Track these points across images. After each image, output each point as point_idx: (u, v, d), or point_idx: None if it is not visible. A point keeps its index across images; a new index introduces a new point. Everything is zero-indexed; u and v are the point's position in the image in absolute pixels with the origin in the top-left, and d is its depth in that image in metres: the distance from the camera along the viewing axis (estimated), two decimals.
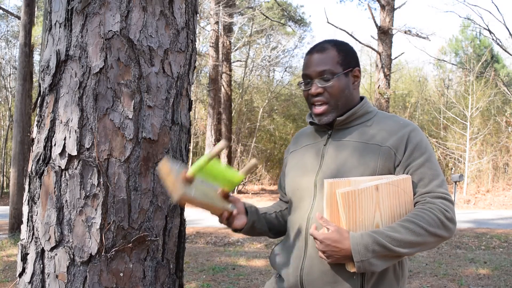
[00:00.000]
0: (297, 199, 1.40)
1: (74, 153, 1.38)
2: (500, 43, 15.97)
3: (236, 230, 1.44)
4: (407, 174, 1.29)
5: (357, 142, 1.34)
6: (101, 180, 1.38)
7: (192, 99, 1.65)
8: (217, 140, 15.48)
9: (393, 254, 1.19)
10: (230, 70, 16.79)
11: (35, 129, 1.51)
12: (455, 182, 13.68)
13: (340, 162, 1.33)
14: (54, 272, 1.39)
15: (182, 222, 1.58)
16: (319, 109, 1.36)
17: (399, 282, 1.32)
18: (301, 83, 1.40)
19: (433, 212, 1.22)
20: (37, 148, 1.47)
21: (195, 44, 1.64)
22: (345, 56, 1.37)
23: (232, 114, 17.48)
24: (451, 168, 18.03)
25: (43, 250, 1.41)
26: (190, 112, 1.65)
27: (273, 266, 1.47)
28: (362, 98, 1.44)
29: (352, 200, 1.20)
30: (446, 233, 1.22)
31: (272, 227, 1.54)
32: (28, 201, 1.48)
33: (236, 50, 19.27)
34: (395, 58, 13.00)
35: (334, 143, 1.38)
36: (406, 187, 1.27)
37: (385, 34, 12.38)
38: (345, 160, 1.33)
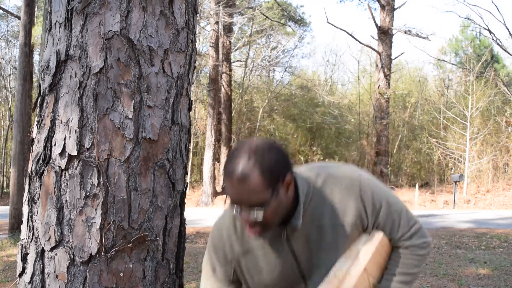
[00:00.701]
0: None
1: (74, 153, 1.38)
2: (500, 43, 15.98)
3: None
4: (378, 226, 1.32)
5: (319, 227, 1.27)
6: (101, 180, 1.38)
7: (192, 99, 1.65)
8: (217, 140, 15.49)
9: None
10: (230, 70, 16.79)
11: (35, 129, 1.51)
12: (455, 182, 13.69)
13: (318, 255, 1.28)
14: (54, 272, 1.39)
15: (182, 222, 1.58)
16: (254, 233, 1.19)
17: None
18: (230, 206, 1.19)
19: (415, 252, 1.33)
20: (37, 148, 1.47)
21: (195, 44, 1.64)
22: (270, 173, 1.13)
23: (232, 114, 17.48)
24: (451, 168, 18.03)
25: (43, 250, 1.41)
26: (190, 112, 1.65)
27: None
28: (296, 184, 1.24)
29: None
30: (427, 252, 1.35)
31: None
32: (28, 201, 1.48)
33: (236, 50, 19.28)
34: (395, 58, 13.02)
35: (296, 239, 1.27)
36: (383, 243, 1.32)
37: (385, 34, 12.39)
38: (322, 253, 1.28)
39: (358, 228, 1.30)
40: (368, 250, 1.28)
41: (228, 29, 16.25)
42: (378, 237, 1.31)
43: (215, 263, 1.33)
